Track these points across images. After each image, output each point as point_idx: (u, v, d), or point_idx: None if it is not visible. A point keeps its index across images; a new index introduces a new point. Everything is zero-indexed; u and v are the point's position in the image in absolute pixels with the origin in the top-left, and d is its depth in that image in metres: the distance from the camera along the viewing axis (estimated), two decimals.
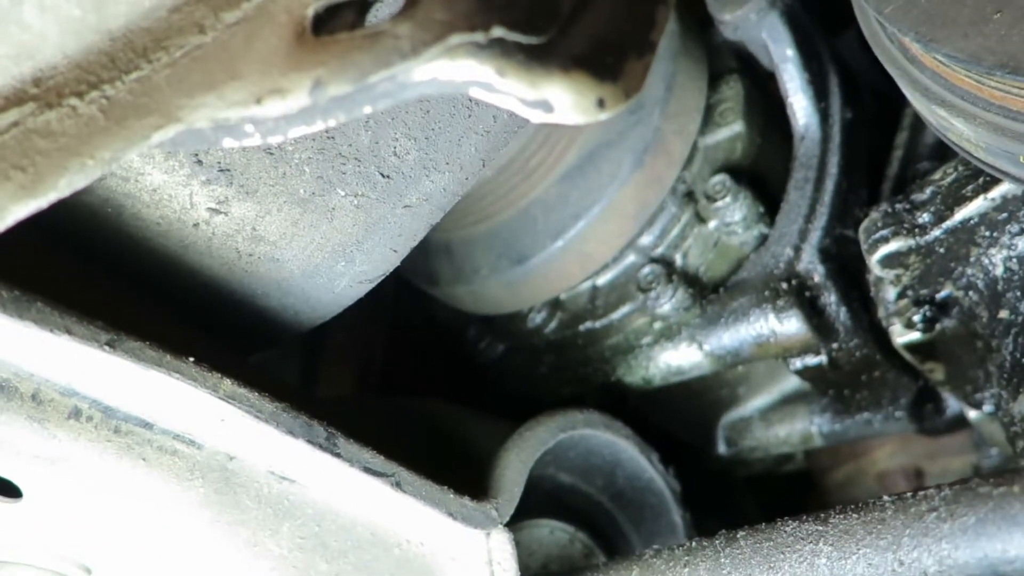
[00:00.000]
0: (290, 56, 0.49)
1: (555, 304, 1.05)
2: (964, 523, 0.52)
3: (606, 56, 0.49)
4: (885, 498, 0.59)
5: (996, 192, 0.82)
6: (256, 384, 0.68)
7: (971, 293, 0.88)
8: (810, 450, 1.21)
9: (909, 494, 0.58)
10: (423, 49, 0.46)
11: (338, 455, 0.69)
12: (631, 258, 1.01)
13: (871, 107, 1.08)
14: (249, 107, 0.49)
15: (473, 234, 1.01)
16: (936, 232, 0.85)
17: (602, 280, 1.03)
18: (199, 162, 0.63)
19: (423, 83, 0.47)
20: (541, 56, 0.47)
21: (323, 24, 0.50)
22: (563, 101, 0.48)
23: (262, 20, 0.51)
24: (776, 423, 1.13)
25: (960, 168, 0.85)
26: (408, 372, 1.25)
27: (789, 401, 1.12)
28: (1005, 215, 0.82)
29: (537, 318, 1.06)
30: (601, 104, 0.49)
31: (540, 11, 0.48)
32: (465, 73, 0.47)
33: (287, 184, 0.66)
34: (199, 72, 0.51)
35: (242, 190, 0.65)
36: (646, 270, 1.00)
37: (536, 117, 0.48)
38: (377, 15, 0.51)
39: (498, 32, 0.46)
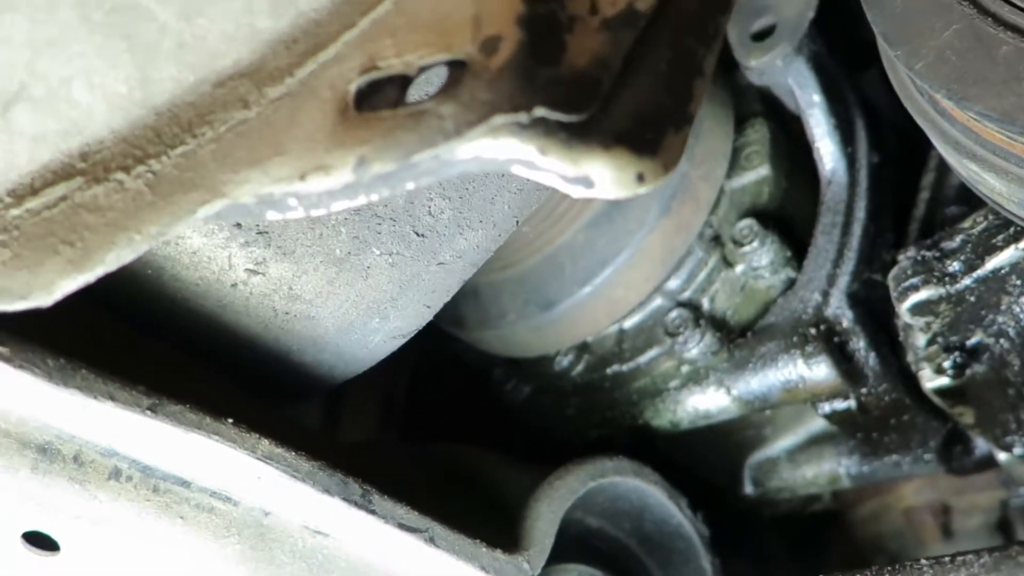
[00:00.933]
0: (334, 133, 0.50)
1: (582, 347, 1.05)
2: None
3: (646, 131, 0.49)
4: (923, 561, 0.59)
5: None
6: (291, 440, 0.69)
7: (1002, 340, 0.87)
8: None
9: (947, 558, 0.58)
10: (467, 129, 0.47)
11: (373, 512, 0.69)
12: (658, 302, 1.01)
13: (896, 146, 1.08)
14: (293, 183, 0.50)
15: (501, 279, 1.02)
16: (967, 281, 0.85)
17: (629, 323, 1.03)
18: (238, 225, 0.64)
19: (466, 161, 0.48)
20: (582, 134, 0.48)
21: (365, 99, 0.51)
22: (603, 177, 0.48)
23: (305, 95, 0.52)
24: (803, 464, 1.12)
25: (990, 217, 0.85)
26: (434, 413, 1.26)
27: (816, 442, 1.12)
28: None
29: (564, 361, 1.06)
30: (640, 179, 0.49)
31: (581, 89, 0.48)
32: (508, 152, 0.47)
33: (324, 244, 0.66)
34: (244, 147, 0.52)
35: (279, 251, 0.66)
36: (673, 314, 1.00)
37: (577, 193, 0.49)
38: (417, 91, 0.52)
39: (540, 112, 0.47)
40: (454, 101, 0.47)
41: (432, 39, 0.49)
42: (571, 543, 0.98)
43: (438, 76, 0.51)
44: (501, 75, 0.47)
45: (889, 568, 0.62)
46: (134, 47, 0.53)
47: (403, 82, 0.51)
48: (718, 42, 0.54)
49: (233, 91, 0.53)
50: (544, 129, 0.47)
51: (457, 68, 0.49)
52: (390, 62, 0.50)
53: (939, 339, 0.90)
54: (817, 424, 1.11)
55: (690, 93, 0.52)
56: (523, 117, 0.47)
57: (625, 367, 1.03)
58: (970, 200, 0.95)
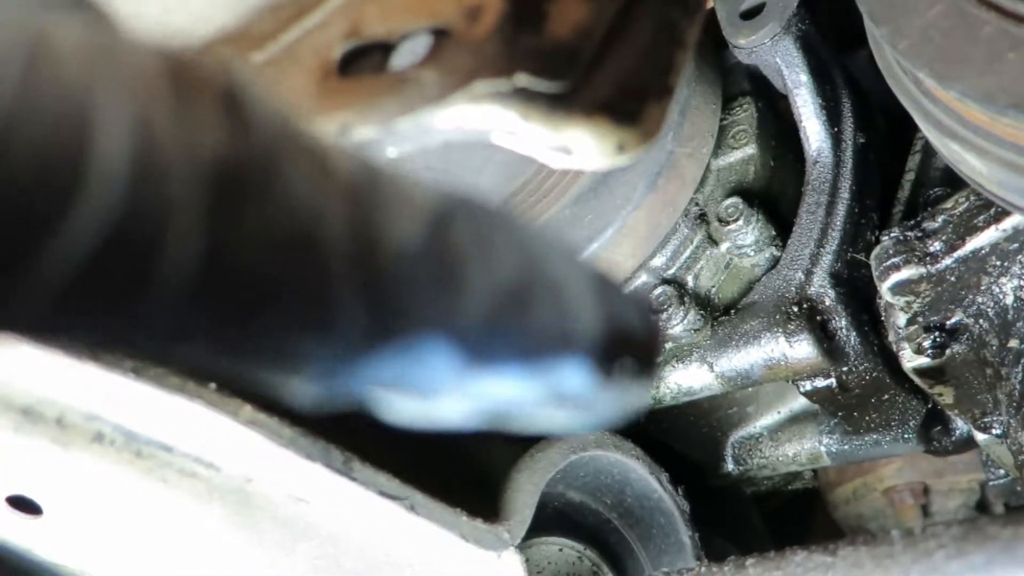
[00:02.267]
0: (317, 98, 0.50)
1: None
2: (972, 562, 0.53)
3: (627, 101, 0.50)
4: (894, 533, 0.60)
5: (1007, 223, 0.83)
6: (275, 407, 0.69)
7: (981, 321, 0.88)
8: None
9: (919, 529, 0.59)
10: (448, 95, 0.47)
11: (354, 479, 0.70)
12: (643, 278, 1.02)
13: (884, 128, 1.09)
14: None
15: None
16: (947, 261, 0.85)
17: None
18: None
19: (447, 129, 0.48)
20: (563, 102, 0.48)
21: (348, 66, 0.51)
22: (584, 146, 0.49)
23: (289, 61, 0.52)
24: (785, 442, 1.13)
25: (972, 198, 0.86)
26: None
27: (798, 420, 1.13)
28: (1016, 245, 0.83)
29: None
30: (621, 148, 0.50)
31: (563, 58, 0.49)
32: (489, 119, 0.48)
33: None
34: None
35: None
36: (658, 291, 1.00)
37: (557, 162, 0.49)
38: (403, 60, 0.52)
39: (522, 80, 0.47)
40: (436, 67, 0.48)
41: (416, 6, 0.50)
42: (553, 517, 0.99)
43: (423, 46, 0.51)
44: (483, 43, 0.48)
45: (862, 539, 0.63)
46: (117, 12, 0.53)
47: (386, 49, 0.51)
48: (701, 14, 0.54)
49: (217, 57, 0.53)
50: (525, 97, 0.47)
51: (440, 36, 0.49)
52: (374, 29, 0.50)
53: (919, 319, 0.91)
54: (799, 403, 1.12)
55: (671, 64, 0.52)
56: (504, 84, 0.47)
57: None
58: (954, 182, 0.95)
